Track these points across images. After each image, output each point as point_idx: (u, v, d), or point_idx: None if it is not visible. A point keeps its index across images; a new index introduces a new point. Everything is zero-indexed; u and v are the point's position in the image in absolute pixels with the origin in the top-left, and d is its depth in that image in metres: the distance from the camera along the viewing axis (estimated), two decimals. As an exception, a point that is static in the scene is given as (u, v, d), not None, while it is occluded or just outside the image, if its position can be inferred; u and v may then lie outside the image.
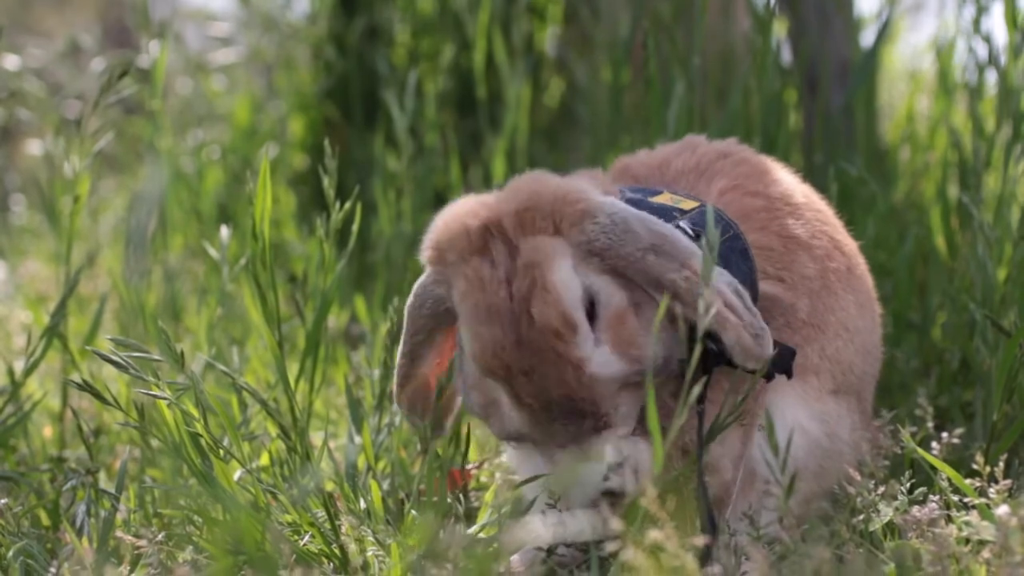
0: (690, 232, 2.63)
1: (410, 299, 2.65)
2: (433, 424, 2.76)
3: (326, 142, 2.99)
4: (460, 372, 2.63)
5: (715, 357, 2.47)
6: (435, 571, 2.34)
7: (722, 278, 2.46)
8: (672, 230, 2.47)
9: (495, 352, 2.42)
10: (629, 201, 2.72)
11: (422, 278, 2.63)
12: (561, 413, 2.41)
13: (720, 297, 2.41)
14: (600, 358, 2.41)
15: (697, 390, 2.28)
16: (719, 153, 2.98)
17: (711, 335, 2.41)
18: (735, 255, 2.63)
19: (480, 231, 2.48)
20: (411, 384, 2.71)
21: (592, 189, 2.55)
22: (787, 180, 2.98)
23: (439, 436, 2.80)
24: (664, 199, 2.76)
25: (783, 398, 2.67)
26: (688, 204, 2.74)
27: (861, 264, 3.01)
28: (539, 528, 2.42)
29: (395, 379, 2.72)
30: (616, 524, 2.16)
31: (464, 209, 2.54)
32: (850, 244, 2.99)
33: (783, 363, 2.51)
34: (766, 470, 2.57)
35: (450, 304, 2.56)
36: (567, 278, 2.42)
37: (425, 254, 2.59)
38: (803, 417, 2.67)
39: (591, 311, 2.45)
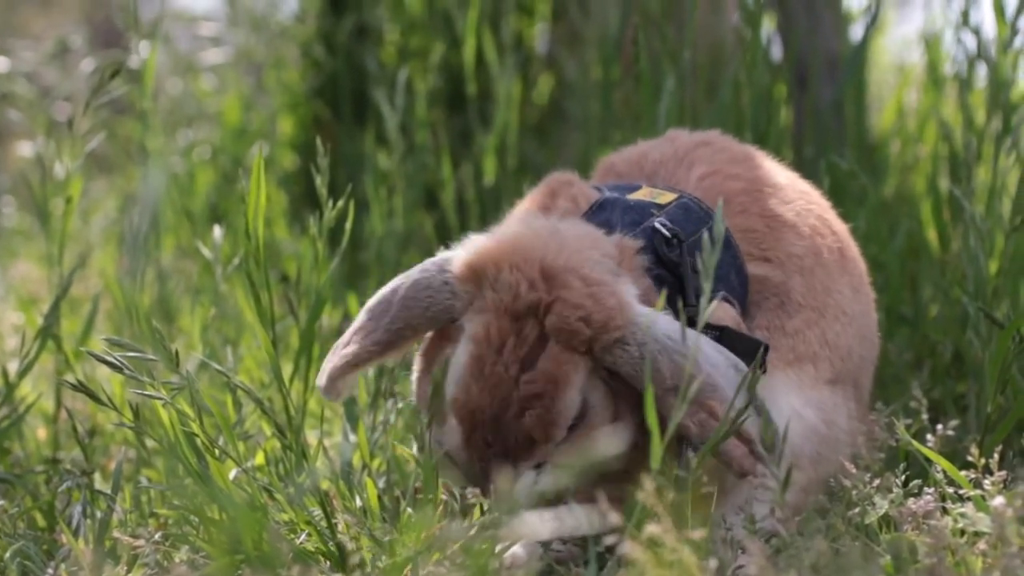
0: (665, 231, 2.64)
1: (409, 290, 2.58)
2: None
3: (318, 140, 2.99)
4: (428, 362, 2.64)
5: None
6: (433, 568, 2.35)
7: (733, 381, 2.46)
8: (698, 360, 2.43)
9: (471, 411, 2.44)
10: (607, 201, 2.73)
11: (433, 275, 2.58)
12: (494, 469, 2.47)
13: (737, 442, 2.43)
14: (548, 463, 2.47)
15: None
16: (698, 142, 2.98)
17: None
18: None
19: (528, 305, 2.45)
20: (362, 368, 2.60)
21: (634, 298, 2.52)
22: (769, 164, 2.99)
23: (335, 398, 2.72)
24: (642, 194, 2.76)
25: (778, 385, 2.67)
26: (666, 197, 2.74)
27: (853, 247, 3.01)
28: (536, 523, 2.42)
29: (345, 357, 2.58)
30: (614, 518, 2.16)
31: (526, 263, 2.48)
32: (840, 226, 3.00)
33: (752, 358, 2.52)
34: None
35: (455, 315, 2.54)
36: (571, 404, 2.44)
37: (462, 267, 2.54)
38: (798, 404, 2.67)
39: (579, 417, 2.48)
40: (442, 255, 2.62)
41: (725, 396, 2.42)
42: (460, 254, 2.57)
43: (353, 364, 2.58)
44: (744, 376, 2.42)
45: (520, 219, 2.72)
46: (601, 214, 2.72)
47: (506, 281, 2.47)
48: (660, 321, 2.47)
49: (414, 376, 2.67)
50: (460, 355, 2.48)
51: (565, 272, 2.47)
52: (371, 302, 2.64)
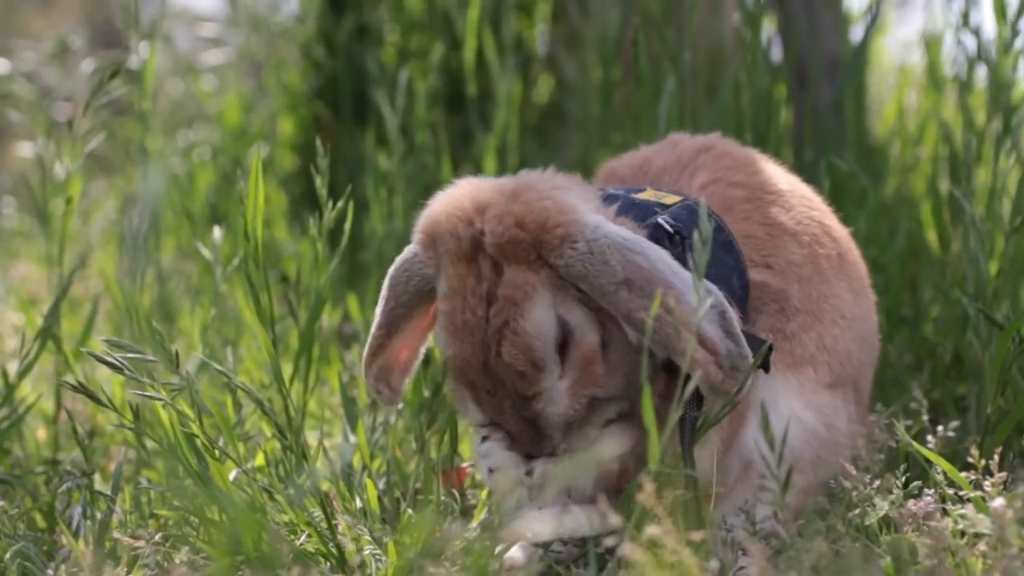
0: (668, 227, 2.64)
1: (394, 270, 2.65)
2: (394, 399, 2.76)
3: (318, 141, 2.99)
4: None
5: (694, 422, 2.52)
6: (432, 569, 2.35)
7: (704, 303, 2.45)
8: (652, 257, 2.44)
9: (462, 366, 2.46)
10: (609, 197, 2.73)
11: (409, 252, 2.63)
12: (521, 424, 2.46)
13: (691, 333, 2.40)
14: (553, 396, 2.45)
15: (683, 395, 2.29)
16: (700, 147, 2.99)
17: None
18: (717, 248, 2.64)
19: (471, 242, 2.47)
20: (383, 354, 2.68)
21: (581, 207, 2.52)
22: (770, 170, 2.99)
23: (391, 401, 2.77)
24: (647, 195, 2.76)
25: (778, 389, 2.67)
26: (671, 199, 2.74)
27: (853, 251, 3.01)
28: (536, 524, 2.43)
29: (367, 348, 2.69)
30: (614, 519, 2.16)
31: (458, 208, 2.52)
32: (841, 231, 3.00)
33: (760, 359, 2.52)
34: (761, 462, 2.58)
35: (433, 282, 2.58)
36: (541, 320, 2.43)
37: (418, 236, 2.59)
38: (798, 407, 2.67)
39: (565, 344, 2.46)
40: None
41: (680, 293, 2.41)
42: (416, 225, 2.62)
43: (372, 354, 2.68)
44: (719, 306, 2.44)
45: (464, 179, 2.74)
46: (610, 205, 2.72)
47: (445, 230, 2.51)
48: (611, 224, 2.49)
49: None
50: (439, 319, 2.53)
51: (494, 194, 2.51)
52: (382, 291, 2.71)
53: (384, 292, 2.67)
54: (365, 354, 2.70)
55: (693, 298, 2.37)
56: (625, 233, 2.46)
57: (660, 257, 2.45)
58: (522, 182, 2.57)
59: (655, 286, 2.41)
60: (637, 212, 2.69)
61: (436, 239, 2.54)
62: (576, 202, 2.52)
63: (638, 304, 2.40)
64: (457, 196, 2.56)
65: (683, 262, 2.60)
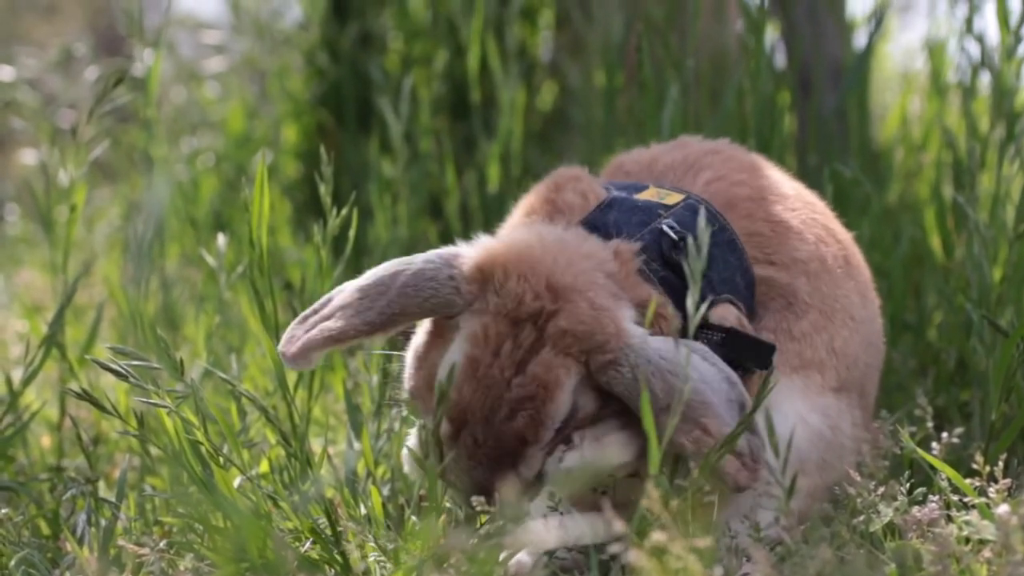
0: (672, 234, 2.64)
1: (411, 277, 2.55)
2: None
3: (322, 148, 2.99)
4: (419, 355, 2.63)
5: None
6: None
7: (729, 396, 2.48)
8: (692, 385, 2.44)
9: (462, 411, 2.46)
10: (614, 200, 2.73)
11: (439, 268, 2.55)
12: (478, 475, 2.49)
13: (739, 453, 2.44)
14: (534, 461, 2.49)
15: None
16: (708, 150, 3.00)
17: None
18: (720, 248, 2.65)
19: (529, 313, 2.47)
20: (341, 344, 2.54)
21: (629, 321, 2.52)
22: (775, 174, 3.00)
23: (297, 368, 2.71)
24: (650, 195, 2.76)
25: (783, 392, 2.67)
26: (673, 198, 2.74)
27: (858, 255, 3.02)
28: (541, 531, 2.43)
29: (333, 331, 2.51)
30: (619, 526, 2.16)
31: (533, 274, 2.50)
32: (844, 234, 3.00)
33: (761, 359, 2.53)
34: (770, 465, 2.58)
35: (453, 311, 2.54)
36: (562, 407, 2.46)
37: (471, 267, 2.54)
38: (804, 409, 2.67)
39: (568, 420, 2.49)
40: (449, 249, 2.62)
41: (717, 413, 2.43)
42: (470, 253, 2.57)
43: (337, 339, 2.52)
44: (737, 388, 2.46)
45: (530, 227, 2.71)
46: (608, 213, 2.72)
47: (512, 289, 2.48)
48: (652, 342, 2.48)
49: (406, 366, 2.67)
50: (455, 354, 2.50)
51: (571, 291, 2.49)
52: (363, 281, 2.59)
53: (385, 287, 2.56)
54: (326, 335, 2.52)
55: (727, 414, 2.44)
56: (666, 353, 2.46)
57: (700, 376, 2.46)
58: (592, 282, 2.54)
59: (695, 410, 2.42)
60: (640, 216, 2.70)
61: (492, 286, 2.51)
62: (627, 321, 2.52)
63: (680, 428, 2.40)
64: (531, 258, 2.54)
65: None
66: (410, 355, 2.66)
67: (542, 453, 2.47)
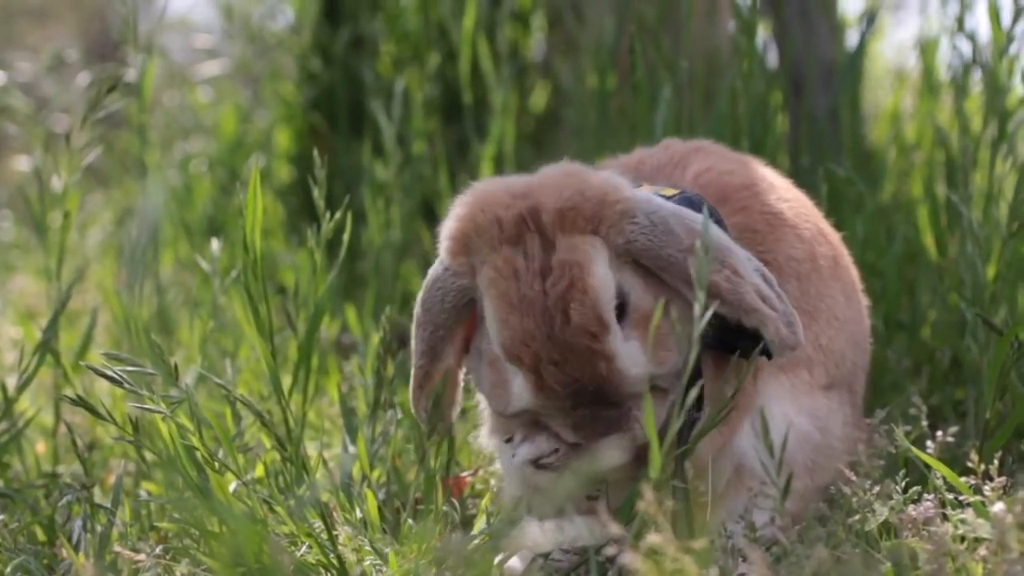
0: None
1: (424, 294, 2.60)
2: (438, 419, 2.72)
3: (315, 152, 2.99)
4: (476, 351, 2.62)
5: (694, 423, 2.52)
6: (434, 579, 2.35)
7: (749, 265, 2.47)
8: (709, 229, 2.45)
9: (525, 342, 2.41)
10: None
11: (437, 271, 2.60)
12: (587, 400, 2.41)
13: (755, 290, 2.42)
14: (629, 355, 2.42)
15: (693, 394, 2.28)
16: (693, 148, 3.01)
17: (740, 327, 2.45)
18: None
19: (515, 221, 2.46)
20: (428, 384, 2.65)
21: (627, 184, 2.54)
22: (763, 168, 3.00)
23: (445, 430, 2.77)
24: (645, 190, 2.77)
25: (770, 392, 2.67)
26: (669, 191, 2.75)
27: (845, 255, 3.02)
28: (537, 533, 2.42)
29: (413, 381, 2.65)
30: (614, 528, 2.16)
31: (494, 198, 2.51)
32: (833, 233, 3.01)
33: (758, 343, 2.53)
34: (756, 466, 2.58)
35: (475, 294, 2.55)
36: (604, 280, 2.42)
37: (446, 244, 2.56)
38: (792, 411, 2.67)
39: (621, 310, 2.45)
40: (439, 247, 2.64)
41: (740, 259, 2.46)
42: (442, 238, 2.59)
43: (418, 385, 2.65)
44: (769, 279, 2.49)
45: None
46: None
47: (483, 221, 2.49)
48: (657, 199, 2.51)
49: (470, 367, 2.68)
50: (487, 308, 2.49)
51: (536, 179, 2.52)
52: (413, 324, 2.67)
53: (418, 317, 2.63)
54: (412, 387, 2.66)
55: (745, 260, 2.46)
56: (675, 205, 2.47)
57: (715, 228, 2.47)
58: (565, 165, 2.59)
59: (719, 249, 2.43)
60: None
61: (470, 235, 2.52)
62: (623, 181, 2.54)
63: (711, 268, 2.39)
64: (485, 191, 2.56)
65: None
66: (470, 362, 2.67)
67: (623, 343, 2.43)
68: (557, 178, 2.51)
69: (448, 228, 2.57)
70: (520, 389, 2.46)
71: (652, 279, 2.48)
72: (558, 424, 2.47)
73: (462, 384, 2.71)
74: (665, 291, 2.48)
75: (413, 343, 2.66)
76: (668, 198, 2.70)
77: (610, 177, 2.54)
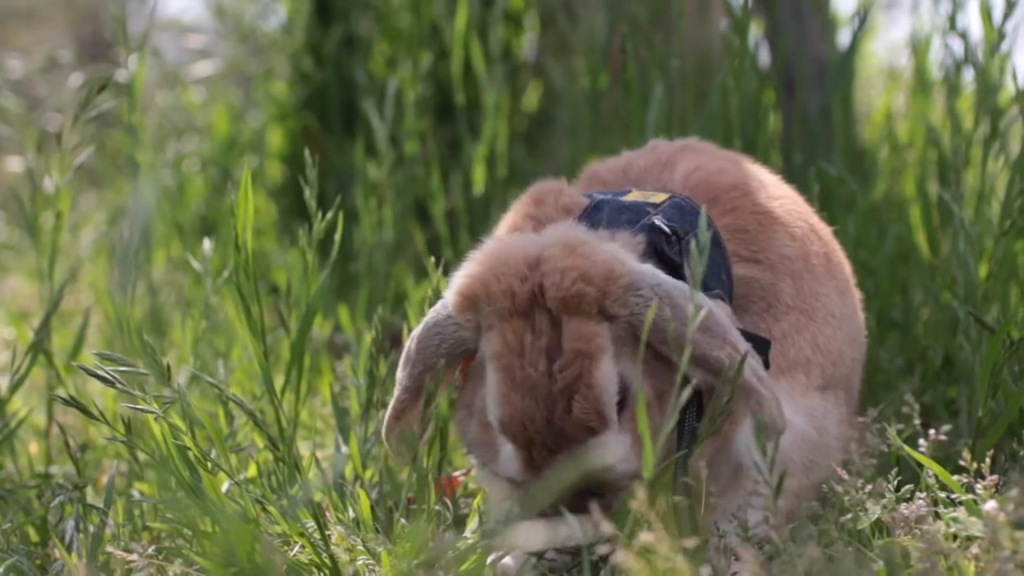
0: (666, 228, 2.64)
1: (423, 332, 2.60)
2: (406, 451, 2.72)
3: (306, 152, 2.99)
4: (465, 406, 2.62)
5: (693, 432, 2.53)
6: (427, 579, 2.35)
7: (744, 345, 2.47)
8: (709, 303, 2.46)
9: (523, 422, 2.41)
10: (599, 203, 2.73)
11: (440, 314, 2.59)
12: (571, 489, 2.41)
13: (752, 370, 2.43)
14: (621, 451, 2.42)
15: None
16: (680, 147, 3.01)
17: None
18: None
19: (528, 296, 2.45)
20: (406, 418, 2.64)
21: (629, 255, 2.54)
22: (753, 165, 3.00)
23: (411, 459, 2.77)
24: (634, 196, 2.76)
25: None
26: (658, 197, 2.74)
27: (838, 250, 3.02)
28: (529, 533, 2.42)
29: (390, 411, 2.65)
30: (607, 527, 2.16)
31: (509, 265, 2.50)
32: (825, 229, 3.01)
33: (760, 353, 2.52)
34: (751, 467, 2.58)
35: (472, 348, 2.55)
36: (609, 375, 2.41)
37: (455, 299, 2.55)
38: (789, 411, 2.67)
39: (622, 403, 2.45)
40: (448, 294, 2.63)
41: (738, 336, 2.46)
42: (451, 289, 2.58)
43: (395, 416, 2.65)
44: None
45: (494, 238, 2.72)
46: (597, 214, 2.72)
47: (496, 290, 2.48)
48: (659, 272, 2.51)
49: (458, 424, 2.67)
50: (490, 377, 2.48)
51: (546, 249, 2.49)
52: (402, 355, 2.68)
53: (411, 354, 2.63)
54: (388, 416, 2.66)
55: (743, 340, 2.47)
56: (676, 281, 2.47)
57: (709, 301, 2.49)
58: (572, 235, 2.56)
59: (721, 326, 2.44)
60: (629, 215, 2.70)
61: (479, 300, 2.51)
62: (626, 254, 2.54)
63: (712, 343, 2.42)
64: (503, 253, 2.54)
65: (680, 263, 2.61)
66: (457, 414, 2.67)
67: (617, 437, 2.43)
68: (565, 257, 2.48)
69: (459, 283, 2.56)
70: (508, 461, 2.46)
71: (650, 364, 2.48)
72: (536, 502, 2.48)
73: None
74: (659, 376, 2.49)
75: (399, 374, 2.66)
76: (657, 205, 2.71)
77: (615, 250, 2.53)
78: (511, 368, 2.43)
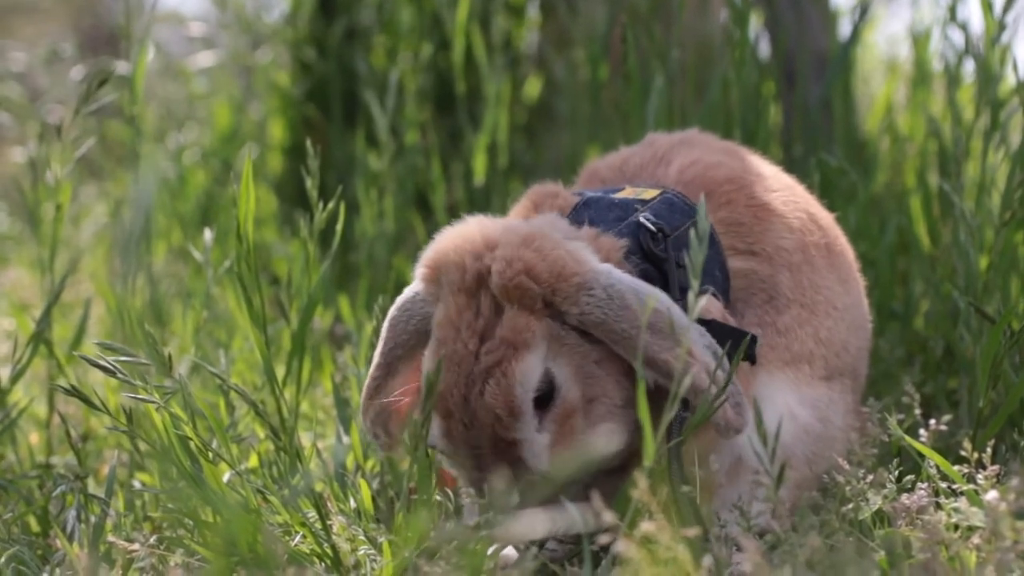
0: (650, 226, 2.64)
1: (394, 311, 2.66)
2: (382, 432, 2.74)
3: (308, 142, 2.99)
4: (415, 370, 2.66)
5: (683, 422, 2.52)
6: (428, 568, 2.35)
7: (702, 341, 2.49)
8: (667, 304, 2.47)
9: (445, 392, 2.45)
10: (590, 200, 2.74)
11: (410, 292, 2.64)
12: (488, 464, 2.47)
13: (706, 369, 2.43)
14: (537, 448, 2.46)
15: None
16: (677, 141, 3.01)
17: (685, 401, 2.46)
18: None
19: (475, 276, 2.49)
20: (379, 397, 2.68)
21: (590, 255, 2.54)
22: (750, 156, 3.00)
23: (387, 446, 2.78)
24: (626, 193, 2.77)
25: (773, 384, 2.68)
26: (649, 193, 2.75)
27: (840, 238, 3.02)
28: (531, 522, 2.43)
29: (364, 391, 2.69)
30: (608, 517, 2.16)
31: (468, 241, 2.54)
32: (826, 217, 3.00)
33: (745, 349, 2.52)
34: (754, 458, 2.58)
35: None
36: (531, 368, 2.44)
37: (421, 270, 2.60)
38: (793, 402, 2.67)
39: (547, 398, 2.47)
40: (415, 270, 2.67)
41: (696, 341, 2.47)
42: (419, 262, 2.62)
43: (369, 395, 2.69)
44: (720, 359, 2.45)
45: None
46: (584, 212, 2.73)
47: (451, 262, 2.52)
48: (619, 272, 2.51)
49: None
50: (429, 345, 2.54)
51: (513, 239, 2.51)
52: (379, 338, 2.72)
53: (383, 333, 2.68)
54: (363, 395, 2.70)
55: (699, 338, 2.47)
56: (635, 280, 2.48)
57: (668, 302, 2.48)
58: (536, 228, 2.57)
59: (675, 327, 2.43)
60: (617, 212, 2.70)
61: (439, 271, 2.55)
62: (586, 253, 2.54)
63: (661, 345, 2.43)
64: (467, 231, 2.58)
65: (665, 260, 2.62)
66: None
67: (534, 433, 2.45)
68: (518, 247, 2.50)
69: (427, 254, 2.62)
70: (435, 428, 2.50)
71: (585, 370, 2.51)
72: (463, 461, 2.53)
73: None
74: (595, 383, 2.51)
75: (375, 354, 2.70)
76: (647, 202, 2.71)
77: (575, 250, 2.53)
78: (445, 340, 2.48)
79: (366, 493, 2.74)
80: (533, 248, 2.49)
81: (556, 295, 2.46)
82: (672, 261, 2.65)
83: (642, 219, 2.66)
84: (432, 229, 4.85)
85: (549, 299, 2.46)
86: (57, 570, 2.61)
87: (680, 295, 2.58)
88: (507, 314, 2.45)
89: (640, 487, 2.18)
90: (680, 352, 2.38)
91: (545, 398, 2.47)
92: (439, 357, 2.46)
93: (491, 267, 2.47)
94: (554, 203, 2.82)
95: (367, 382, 2.69)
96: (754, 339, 2.53)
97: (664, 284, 2.63)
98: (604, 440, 2.48)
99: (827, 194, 3.69)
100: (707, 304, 2.60)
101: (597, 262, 2.53)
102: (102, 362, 2.63)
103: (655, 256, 2.64)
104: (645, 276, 2.61)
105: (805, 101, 4.46)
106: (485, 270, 2.48)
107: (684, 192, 2.79)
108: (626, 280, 2.49)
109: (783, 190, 2.91)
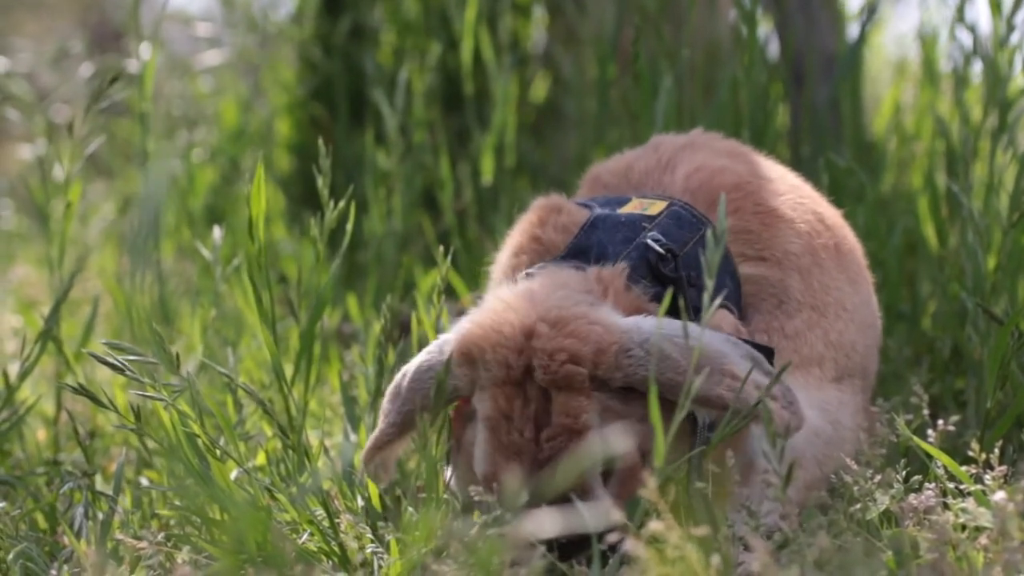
0: (658, 249, 2.64)
1: (416, 374, 2.63)
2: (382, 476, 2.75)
3: (320, 141, 2.99)
4: (455, 439, 2.67)
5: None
6: (436, 567, 2.35)
7: (737, 352, 2.48)
8: (701, 338, 2.45)
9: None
10: (597, 220, 2.73)
11: (434, 361, 2.62)
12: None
13: (754, 385, 2.43)
14: (601, 520, 2.42)
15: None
16: (681, 145, 3.00)
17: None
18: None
19: (522, 370, 2.48)
20: (384, 452, 2.68)
21: (615, 315, 2.54)
22: (756, 158, 2.99)
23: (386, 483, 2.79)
24: (633, 207, 2.77)
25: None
26: (656, 207, 2.74)
27: (849, 237, 3.02)
28: (540, 521, 2.43)
29: (372, 441, 2.67)
30: (617, 516, 2.17)
31: (506, 337, 2.52)
32: (834, 216, 3.00)
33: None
34: (764, 461, 2.58)
35: (463, 395, 2.58)
36: (594, 450, 2.43)
37: (456, 354, 2.56)
38: (803, 405, 2.67)
39: (608, 471, 2.48)
40: (443, 337, 2.67)
41: (737, 361, 2.45)
42: (453, 338, 2.61)
43: (376, 447, 2.67)
44: (759, 362, 2.45)
45: (497, 291, 2.72)
46: (592, 234, 2.73)
47: (493, 360, 2.50)
48: (643, 323, 2.50)
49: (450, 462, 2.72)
50: (479, 435, 2.52)
51: (539, 324, 2.50)
52: (390, 387, 2.71)
53: (402, 391, 2.66)
54: (368, 446, 2.68)
55: (732, 350, 2.47)
56: (663, 326, 2.46)
57: (695, 332, 2.47)
58: (562, 305, 2.54)
59: (714, 359, 2.43)
60: (624, 232, 2.70)
61: (479, 364, 2.53)
62: (612, 316, 2.54)
63: (711, 382, 2.40)
64: (499, 320, 2.55)
65: (676, 280, 2.62)
66: (452, 448, 2.71)
67: (603, 505, 2.44)
68: (555, 336, 2.49)
69: (462, 339, 2.58)
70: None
71: (637, 416, 2.50)
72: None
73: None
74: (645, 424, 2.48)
75: (386, 406, 2.69)
76: (654, 218, 2.71)
77: (603, 317, 2.53)
78: (498, 430, 2.47)
79: (374, 491, 2.74)
80: (568, 333, 2.48)
81: (599, 369, 2.45)
82: (683, 281, 2.65)
83: (649, 241, 2.66)
84: (440, 228, 4.87)
85: (594, 374, 2.45)
86: (65, 567, 2.61)
87: (694, 313, 2.59)
88: (557, 399, 2.44)
89: (649, 487, 2.18)
90: (728, 382, 2.40)
91: (608, 467, 2.48)
92: (497, 447, 2.47)
93: (535, 364, 2.46)
94: (559, 219, 2.82)
95: (375, 435, 2.67)
96: (770, 352, 2.53)
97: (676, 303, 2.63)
98: (617, 440, 2.48)
99: (835, 194, 3.68)
100: (720, 317, 2.60)
101: (623, 320, 2.52)
102: (110, 360, 2.63)
103: (666, 277, 2.64)
104: (657, 300, 2.59)
105: (813, 102, 4.46)
106: (529, 363, 2.47)
107: (691, 201, 2.79)
108: (654, 328, 2.46)
109: (789, 193, 2.91)
